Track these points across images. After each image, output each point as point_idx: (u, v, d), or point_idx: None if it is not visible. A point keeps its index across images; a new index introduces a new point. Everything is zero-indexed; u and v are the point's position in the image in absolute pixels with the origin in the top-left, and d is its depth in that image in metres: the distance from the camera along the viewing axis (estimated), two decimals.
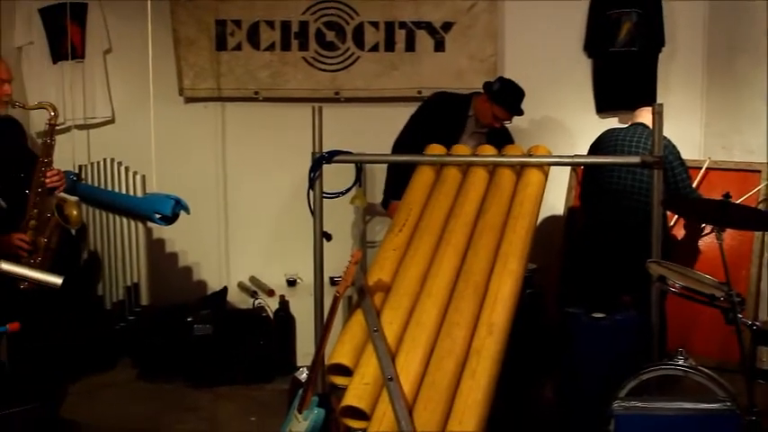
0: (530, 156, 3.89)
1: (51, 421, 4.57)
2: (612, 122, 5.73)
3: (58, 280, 3.48)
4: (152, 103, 5.22)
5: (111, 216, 5.23)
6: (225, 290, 5.82)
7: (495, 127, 4.97)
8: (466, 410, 2.85)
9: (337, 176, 4.07)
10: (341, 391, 3.07)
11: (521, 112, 4.95)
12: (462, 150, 3.99)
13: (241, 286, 5.92)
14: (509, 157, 3.90)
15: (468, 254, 3.40)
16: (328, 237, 3.96)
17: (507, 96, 4.92)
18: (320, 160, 3.88)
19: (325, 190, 3.95)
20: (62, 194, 4.51)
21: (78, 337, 5.34)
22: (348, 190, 4.18)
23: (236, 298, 5.77)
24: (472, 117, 5.04)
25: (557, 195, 5.58)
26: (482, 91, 5.03)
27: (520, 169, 3.80)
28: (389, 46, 5.86)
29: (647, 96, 5.59)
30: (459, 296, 3.21)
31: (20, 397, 4.52)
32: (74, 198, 4.80)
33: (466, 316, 3.14)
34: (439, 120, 4.97)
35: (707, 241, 5.14)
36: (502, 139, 4.81)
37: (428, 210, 3.65)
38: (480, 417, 2.86)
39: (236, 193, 5.98)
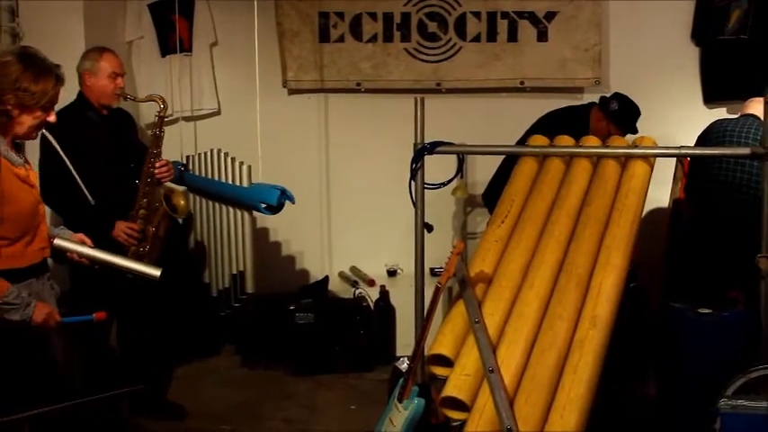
0: (635, 147, 3.81)
1: (157, 404, 4.72)
2: (721, 113, 5.57)
3: (156, 272, 3.57)
4: (258, 94, 5.30)
5: (217, 205, 5.34)
6: (326, 279, 5.89)
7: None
8: (567, 404, 2.82)
9: (439, 167, 4.07)
10: (441, 381, 3.08)
11: (636, 132, 4.87)
12: (566, 141, 3.93)
13: (342, 276, 5.98)
14: (614, 148, 3.83)
15: (570, 246, 3.36)
16: (429, 228, 3.96)
17: (625, 117, 4.87)
18: (422, 151, 3.88)
19: (426, 181, 3.95)
20: (170, 184, 4.62)
21: (185, 323, 5.48)
22: (450, 181, 4.16)
23: (338, 287, 5.83)
24: (593, 131, 4.93)
25: (662, 188, 5.46)
26: (596, 103, 4.97)
27: (624, 161, 3.73)
28: (491, 36, 5.81)
29: (758, 86, 5.41)
30: (562, 289, 3.18)
31: (127, 380, 4.67)
32: (181, 188, 4.91)
33: (568, 309, 3.10)
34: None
35: None
36: None
37: (530, 201, 3.61)
38: (582, 411, 2.83)
39: (338, 183, 6.04)
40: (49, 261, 3.35)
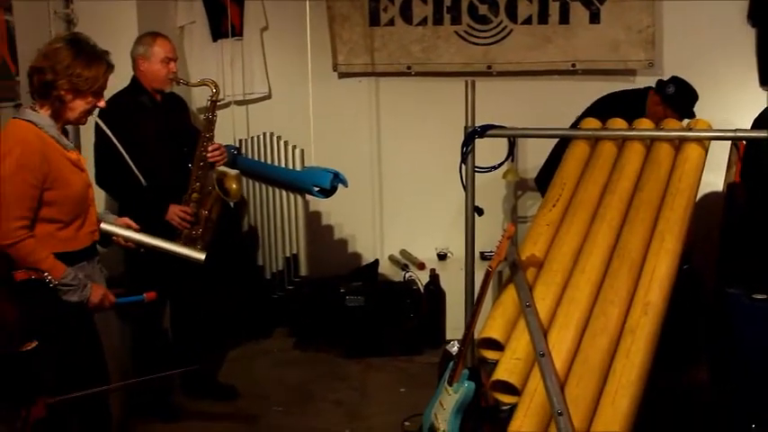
0: (689, 130, 3.76)
1: (209, 385, 4.79)
2: None
3: (201, 255, 3.62)
4: (310, 78, 5.32)
5: (270, 189, 5.36)
6: (376, 262, 5.91)
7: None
8: (619, 389, 2.81)
9: (490, 151, 4.05)
10: (491, 365, 3.08)
11: (693, 116, 4.80)
12: (618, 124, 3.90)
13: (392, 259, 6.00)
14: (667, 131, 3.78)
15: (623, 230, 3.33)
16: (480, 211, 3.95)
17: (682, 101, 4.80)
18: (473, 134, 3.86)
19: (477, 164, 3.94)
20: (223, 168, 4.66)
21: (238, 305, 5.55)
22: (500, 164, 4.14)
23: (388, 270, 5.86)
24: (649, 115, 4.87)
25: (716, 172, 5.38)
26: (653, 87, 4.92)
27: (678, 144, 3.68)
28: (543, 18, 5.76)
29: None
30: (614, 274, 3.16)
31: (180, 360, 4.75)
32: (234, 172, 4.95)
33: (620, 294, 3.08)
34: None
35: None
36: None
37: (582, 185, 3.59)
38: (633, 397, 2.81)
39: (389, 166, 6.05)
40: None
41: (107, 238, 3.46)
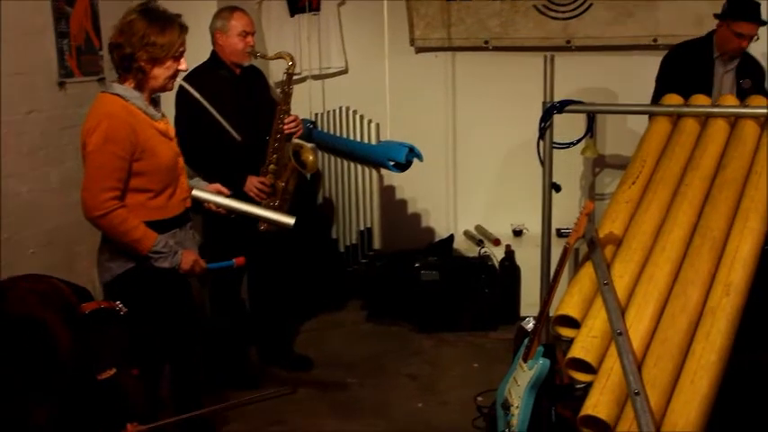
0: None
1: (285, 355, 4.85)
2: None
3: (290, 220, 3.67)
4: (387, 52, 5.32)
5: (345, 162, 5.39)
6: (451, 237, 5.90)
7: (743, 49, 4.64)
8: (698, 370, 2.76)
9: (568, 127, 4.01)
10: (566, 343, 3.06)
11: (763, 21, 4.60)
12: (702, 100, 3.80)
13: (467, 234, 5.99)
14: (752, 108, 3.68)
15: (704, 209, 3.26)
16: (557, 188, 3.91)
17: (742, 7, 4.57)
18: (551, 110, 3.82)
19: (555, 140, 3.90)
20: (299, 141, 4.70)
21: (313, 277, 5.60)
22: (579, 140, 4.10)
23: (463, 246, 5.84)
24: (718, 58, 4.74)
25: None
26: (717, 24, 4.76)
27: (764, 121, 3.59)
28: None
29: None
30: (695, 253, 3.09)
31: (257, 332, 4.83)
32: (310, 144, 4.98)
33: (701, 274, 3.02)
34: (683, 74, 4.66)
35: None
36: (754, 74, 4.62)
37: (663, 162, 3.52)
38: (713, 378, 2.76)
39: (465, 141, 6.02)
40: None
41: (198, 204, 3.54)
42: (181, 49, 3.21)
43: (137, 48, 3.11)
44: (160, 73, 3.19)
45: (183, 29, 3.22)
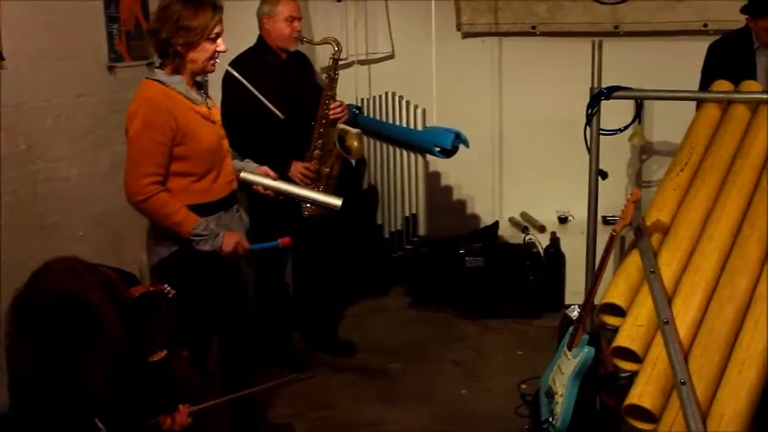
0: None
1: (328, 339, 4.88)
2: None
3: (337, 201, 3.69)
4: (434, 38, 5.30)
5: (390, 148, 5.39)
6: (496, 224, 5.88)
7: None
8: (746, 360, 2.72)
9: (615, 113, 3.96)
10: (611, 331, 3.04)
11: None
12: (752, 87, 3.74)
13: (512, 221, 5.96)
14: None
15: (754, 198, 3.20)
16: (604, 175, 3.88)
17: (760, 2, 4.46)
18: (598, 96, 3.78)
19: (602, 126, 3.86)
20: (344, 126, 4.70)
21: (357, 263, 5.62)
22: (626, 127, 4.05)
23: (507, 232, 5.82)
24: (758, 49, 4.64)
25: None
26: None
27: None
28: None
29: None
30: (744, 242, 3.04)
31: (301, 316, 4.86)
32: (355, 130, 4.98)
33: (749, 263, 2.97)
34: (725, 64, 4.57)
35: None
36: None
37: (712, 149, 3.47)
38: (761, 368, 2.72)
39: (510, 127, 5.98)
40: None
41: (247, 186, 3.56)
42: (216, 31, 3.22)
43: (172, 32, 3.14)
44: (197, 56, 3.21)
45: (218, 9, 3.23)
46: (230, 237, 3.28)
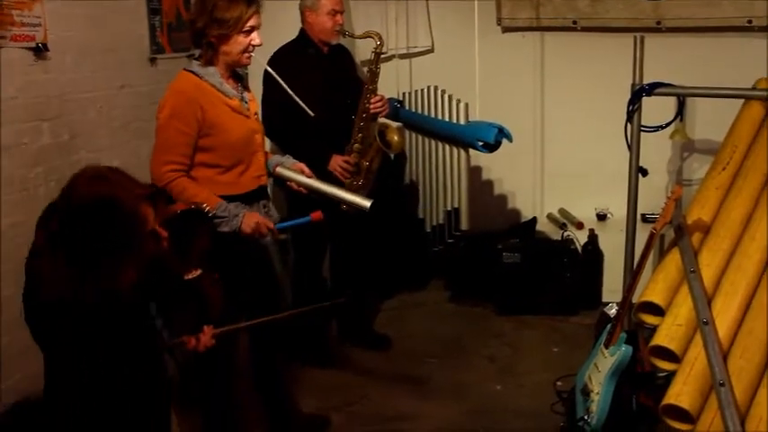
0: None
1: (364, 333, 4.89)
2: None
3: (366, 203, 3.69)
4: (476, 32, 5.28)
5: (432, 142, 5.36)
6: (534, 220, 5.86)
7: None
8: None
9: (657, 110, 3.93)
10: (649, 330, 3.02)
11: None
12: None
13: (550, 217, 5.93)
14: None
15: None
16: (644, 172, 3.85)
17: None
18: (640, 92, 3.76)
19: (643, 123, 3.83)
20: (385, 120, 4.70)
21: (397, 257, 5.62)
22: (668, 124, 4.02)
23: (546, 228, 5.79)
24: None
25: None
26: None
27: None
28: None
29: None
30: None
31: (336, 310, 4.85)
32: (396, 124, 4.97)
33: None
34: None
35: None
36: None
37: (755, 148, 3.43)
38: None
39: (551, 122, 5.95)
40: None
41: (282, 181, 3.59)
42: (251, 24, 3.24)
43: (206, 23, 3.18)
44: (230, 48, 3.24)
45: (253, 3, 3.24)
46: (250, 217, 3.26)
